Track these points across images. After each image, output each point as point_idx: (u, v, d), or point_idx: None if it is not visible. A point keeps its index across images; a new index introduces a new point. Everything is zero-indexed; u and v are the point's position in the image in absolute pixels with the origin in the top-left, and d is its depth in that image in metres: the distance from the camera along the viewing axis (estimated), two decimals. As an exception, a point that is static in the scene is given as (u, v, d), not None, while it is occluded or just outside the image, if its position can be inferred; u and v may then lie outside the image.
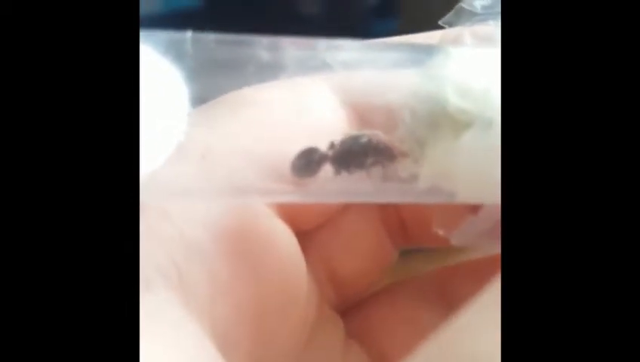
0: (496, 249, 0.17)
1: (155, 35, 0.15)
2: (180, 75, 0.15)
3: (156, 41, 0.15)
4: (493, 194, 0.15)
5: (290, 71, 0.16)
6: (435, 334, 0.12)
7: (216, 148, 0.16)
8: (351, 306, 0.20)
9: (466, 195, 0.15)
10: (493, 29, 0.17)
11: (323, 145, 0.16)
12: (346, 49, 0.16)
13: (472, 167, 0.15)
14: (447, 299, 0.19)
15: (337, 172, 0.16)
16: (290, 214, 0.17)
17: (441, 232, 0.17)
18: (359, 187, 0.16)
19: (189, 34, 0.15)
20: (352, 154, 0.16)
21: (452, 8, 0.18)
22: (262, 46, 0.16)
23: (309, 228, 0.18)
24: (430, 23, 0.18)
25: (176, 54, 0.15)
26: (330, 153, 0.16)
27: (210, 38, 0.16)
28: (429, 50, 0.16)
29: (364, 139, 0.16)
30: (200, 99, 0.16)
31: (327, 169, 0.16)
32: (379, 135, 0.16)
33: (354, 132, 0.16)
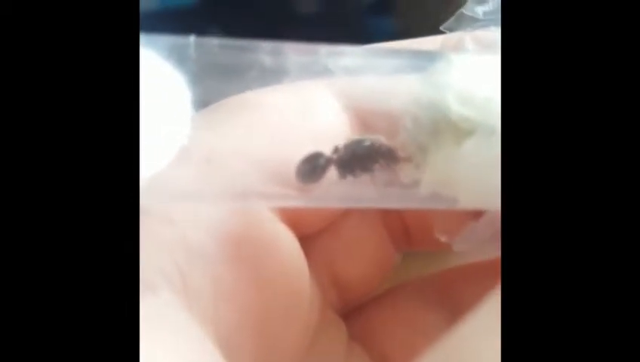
0: (497, 253, 0.18)
1: (158, 39, 0.15)
2: (183, 79, 0.16)
3: (159, 45, 0.15)
4: (495, 201, 0.15)
5: (293, 76, 0.16)
6: (438, 340, 0.12)
7: (219, 152, 0.16)
8: (353, 309, 0.20)
9: (467, 202, 0.15)
10: (495, 34, 0.17)
11: (326, 150, 0.16)
12: (348, 55, 0.16)
13: (473, 174, 0.15)
14: (449, 301, 0.19)
15: (343, 176, 0.16)
16: (293, 218, 0.17)
17: (442, 238, 0.17)
18: (362, 192, 0.16)
19: (191, 38, 0.16)
20: (356, 158, 0.16)
21: (448, 7, 0.18)
22: (264, 51, 0.16)
23: (312, 233, 0.18)
24: (426, 21, 0.18)
25: (179, 58, 0.15)
26: (335, 157, 0.16)
27: (213, 42, 0.16)
28: (430, 56, 0.16)
29: (367, 143, 0.16)
30: (202, 102, 0.16)
31: (332, 173, 0.16)
32: (381, 139, 0.16)
33: (356, 136, 0.16)
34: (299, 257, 0.17)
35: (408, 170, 0.16)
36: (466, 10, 0.17)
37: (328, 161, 0.16)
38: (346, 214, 0.19)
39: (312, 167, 0.16)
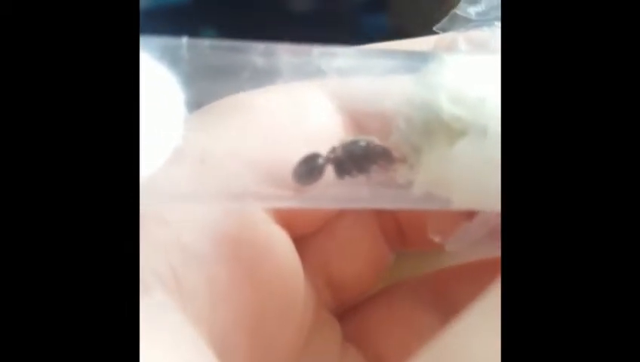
0: (490, 254, 0.18)
1: (150, 40, 0.15)
2: (176, 80, 0.16)
3: (152, 46, 0.15)
4: (488, 201, 0.15)
5: (285, 77, 0.16)
6: (433, 340, 0.12)
7: (213, 153, 0.16)
8: (348, 309, 0.20)
9: (460, 202, 0.15)
10: (488, 35, 0.17)
11: (320, 151, 0.16)
12: (341, 56, 0.16)
13: (466, 175, 0.15)
14: (444, 301, 0.19)
15: (340, 177, 0.16)
16: (287, 219, 0.17)
17: (436, 238, 0.17)
18: (356, 193, 0.16)
19: (184, 40, 0.16)
20: (354, 159, 0.16)
21: (441, 4, 0.18)
22: (257, 52, 0.16)
23: (306, 233, 0.18)
24: (418, 19, 0.18)
25: (172, 60, 0.15)
26: (333, 158, 0.16)
27: (206, 43, 0.16)
28: (423, 57, 0.16)
29: (363, 144, 0.16)
30: (196, 104, 0.16)
31: (329, 174, 0.16)
32: (375, 140, 0.16)
33: (351, 137, 0.16)
34: (293, 258, 0.17)
35: (402, 171, 0.16)
36: (458, 10, 0.17)
37: (326, 162, 0.16)
38: (340, 215, 0.19)
39: (310, 168, 0.16)
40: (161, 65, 0.15)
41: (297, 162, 0.16)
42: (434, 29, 0.18)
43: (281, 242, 0.17)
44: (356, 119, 0.17)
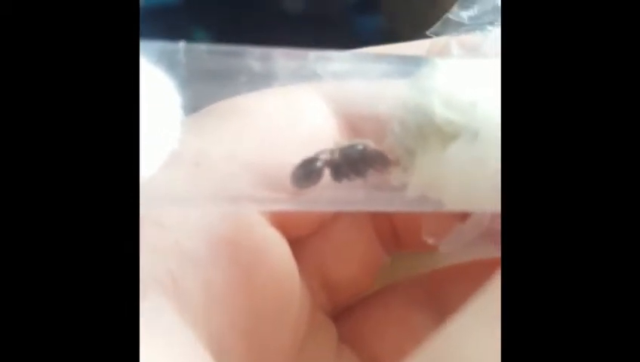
0: (484, 254, 0.18)
1: (148, 44, 0.15)
2: (173, 83, 0.16)
3: (149, 50, 0.15)
4: (480, 203, 0.15)
5: (281, 81, 0.16)
6: (427, 340, 0.12)
7: (209, 156, 0.16)
8: (343, 311, 0.20)
9: (453, 204, 0.15)
10: (480, 39, 0.17)
11: (316, 153, 0.16)
12: (336, 60, 0.16)
13: (459, 177, 0.15)
14: (438, 302, 0.19)
15: (338, 180, 0.16)
16: (282, 222, 0.17)
17: (430, 240, 0.17)
18: (352, 196, 0.16)
19: (181, 44, 0.16)
20: (352, 162, 0.16)
21: (434, 5, 0.18)
22: (253, 56, 0.16)
23: (302, 236, 0.18)
24: (411, 19, 0.19)
25: (169, 64, 0.16)
26: (330, 162, 0.16)
27: (203, 48, 0.16)
28: (417, 61, 0.16)
29: (360, 147, 0.16)
30: (192, 107, 0.16)
31: (326, 177, 0.16)
32: (370, 143, 0.16)
33: (347, 141, 0.16)
34: (289, 260, 0.17)
35: (396, 173, 0.16)
36: (451, 15, 0.17)
37: (324, 166, 0.16)
38: (335, 217, 0.19)
39: (308, 172, 0.16)
40: (158, 69, 0.15)
41: (295, 166, 0.16)
42: (427, 33, 0.18)
43: (277, 244, 0.17)
44: (351, 122, 0.17)
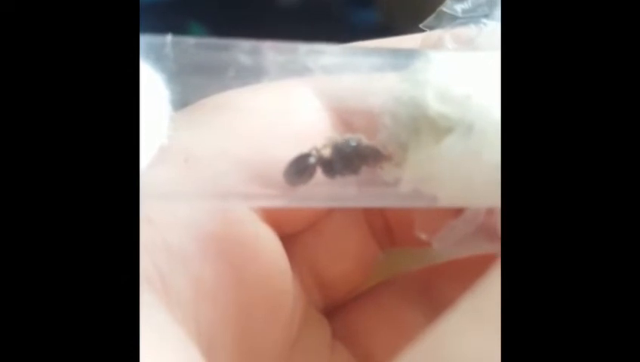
0: (477, 250, 0.18)
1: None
2: (161, 78, 0.15)
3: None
4: (474, 199, 0.15)
5: (271, 75, 0.16)
6: (420, 337, 0.12)
7: (199, 152, 0.16)
8: (336, 308, 0.20)
9: (447, 199, 0.15)
10: (474, 32, 0.17)
11: (308, 148, 0.16)
12: (327, 53, 0.16)
13: (453, 172, 0.15)
14: (432, 298, 0.19)
15: (331, 177, 0.16)
16: (274, 218, 0.17)
17: (423, 236, 0.17)
18: (345, 192, 0.16)
19: (169, 37, 0.15)
20: (344, 159, 0.16)
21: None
22: (242, 50, 0.16)
23: (294, 232, 0.18)
24: (407, 13, 0.18)
25: (157, 58, 0.15)
26: (323, 159, 0.16)
27: (191, 41, 0.16)
28: (410, 54, 0.16)
29: (353, 143, 0.16)
30: (181, 102, 0.16)
31: (319, 175, 0.16)
32: (363, 138, 0.16)
33: (340, 136, 0.16)
34: (281, 256, 0.17)
35: (389, 168, 0.16)
36: (445, 8, 0.17)
37: (317, 163, 0.16)
38: (328, 213, 0.19)
39: (301, 169, 0.16)
40: (146, 63, 0.15)
41: (288, 163, 0.16)
42: (420, 26, 0.18)
43: (269, 241, 0.17)
44: (343, 117, 0.17)
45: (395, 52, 0.17)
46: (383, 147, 0.16)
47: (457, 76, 0.15)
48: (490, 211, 0.16)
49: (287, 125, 0.17)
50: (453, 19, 0.17)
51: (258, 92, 0.17)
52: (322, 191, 0.16)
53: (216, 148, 0.16)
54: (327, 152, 0.16)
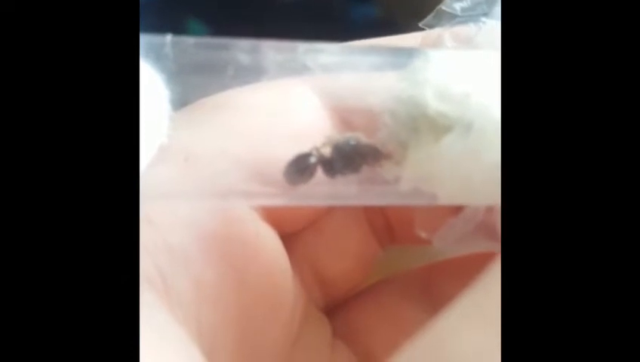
0: (477, 248, 0.18)
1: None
2: (161, 77, 0.15)
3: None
4: (474, 197, 0.15)
5: (271, 74, 0.16)
6: (420, 334, 0.12)
7: (199, 151, 0.16)
8: (337, 306, 0.20)
9: (446, 197, 0.15)
10: (473, 31, 0.17)
11: (307, 147, 0.16)
12: (327, 52, 0.16)
13: (452, 170, 0.15)
14: (432, 296, 0.19)
15: (332, 176, 0.16)
16: (275, 217, 0.17)
17: (422, 234, 0.17)
18: (345, 190, 0.16)
19: (168, 37, 0.15)
20: (344, 158, 0.16)
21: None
22: (241, 49, 0.16)
23: (295, 230, 0.18)
24: (407, 9, 0.18)
25: (157, 57, 0.15)
26: (323, 158, 0.16)
27: (190, 41, 0.16)
28: (409, 53, 0.16)
29: (353, 142, 0.16)
30: (181, 101, 0.16)
31: (320, 174, 0.16)
32: (362, 137, 0.16)
33: (340, 135, 0.16)
34: (281, 255, 0.17)
35: (389, 167, 0.16)
36: (444, 6, 0.17)
37: (317, 162, 0.16)
38: (328, 211, 0.19)
39: (301, 169, 0.16)
40: (145, 63, 0.15)
41: (288, 162, 0.16)
42: (420, 25, 0.18)
43: (269, 240, 0.17)
44: (342, 115, 0.17)
45: (395, 51, 0.17)
46: (383, 145, 0.16)
47: (456, 75, 0.15)
48: (489, 209, 0.16)
49: (286, 124, 0.17)
50: (452, 18, 0.17)
51: (258, 91, 0.17)
52: (322, 190, 0.16)
53: (216, 148, 0.16)
54: (327, 151, 0.16)
